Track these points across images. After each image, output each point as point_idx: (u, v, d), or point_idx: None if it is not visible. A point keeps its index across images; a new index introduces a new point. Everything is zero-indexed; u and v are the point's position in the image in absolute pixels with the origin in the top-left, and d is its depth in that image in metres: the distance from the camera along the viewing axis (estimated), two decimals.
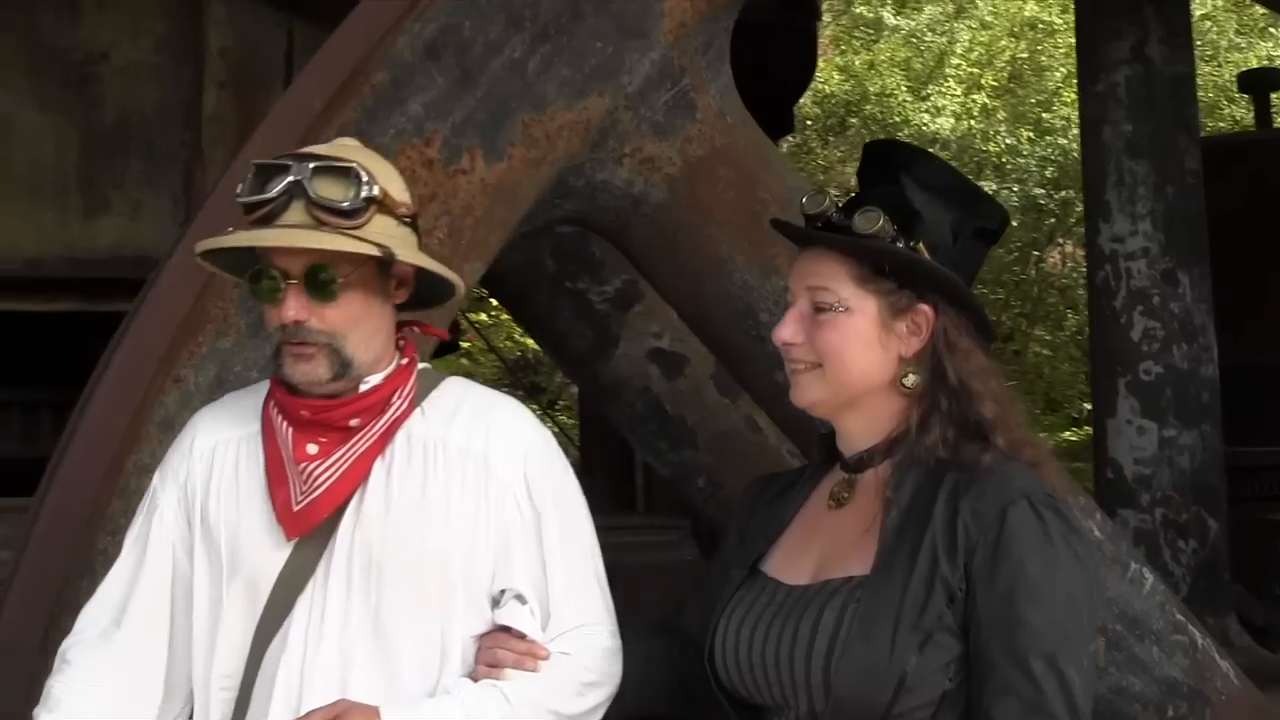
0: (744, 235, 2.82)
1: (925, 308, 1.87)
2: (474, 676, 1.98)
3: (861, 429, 1.92)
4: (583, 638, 2.02)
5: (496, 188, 2.62)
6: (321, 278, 1.96)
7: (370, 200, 1.97)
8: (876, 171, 1.99)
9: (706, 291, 2.88)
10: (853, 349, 1.85)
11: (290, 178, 1.95)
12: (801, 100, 16.58)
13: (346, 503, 2.01)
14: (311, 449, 2.00)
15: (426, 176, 2.58)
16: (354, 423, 2.02)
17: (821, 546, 1.91)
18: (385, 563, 1.99)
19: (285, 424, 2.02)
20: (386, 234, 1.98)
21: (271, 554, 2.00)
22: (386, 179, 2.02)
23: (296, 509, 1.97)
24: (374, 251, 1.94)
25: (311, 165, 1.95)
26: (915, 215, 1.87)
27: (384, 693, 1.95)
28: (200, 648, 2.04)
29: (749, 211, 2.82)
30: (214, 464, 2.08)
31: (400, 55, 2.53)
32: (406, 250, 2.00)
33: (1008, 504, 1.77)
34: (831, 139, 16.88)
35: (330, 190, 1.95)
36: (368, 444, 2.01)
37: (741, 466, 4.33)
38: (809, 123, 16.58)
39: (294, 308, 1.95)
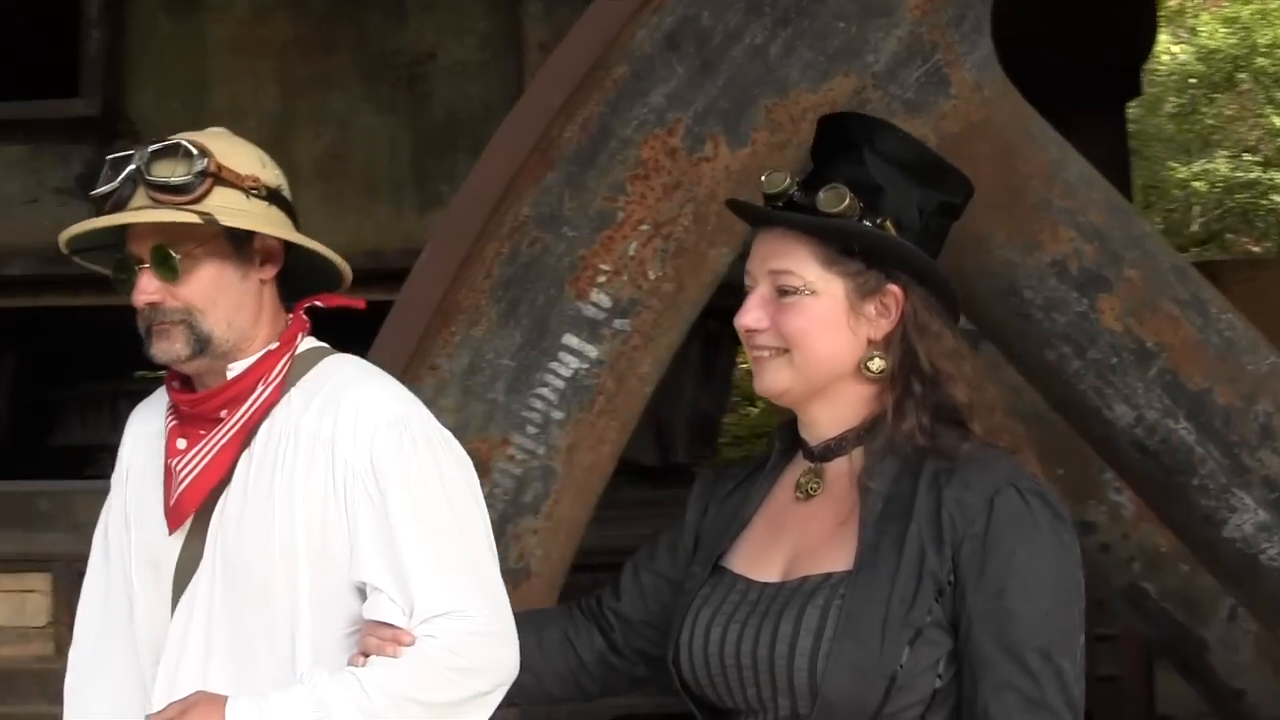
0: (1004, 211, 2.75)
1: (894, 288, 1.78)
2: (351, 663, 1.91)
3: (828, 417, 1.84)
4: (452, 622, 1.89)
5: (741, 173, 2.66)
6: (162, 255, 1.97)
7: (204, 174, 1.97)
8: (834, 146, 1.86)
9: (967, 269, 2.82)
10: (820, 333, 1.78)
11: (130, 165, 1.99)
12: (1184, 57, 15.73)
13: (216, 496, 2.01)
14: (180, 444, 2.01)
15: (670, 165, 2.65)
16: (223, 414, 2.01)
17: (792, 541, 1.83)
18: (238, 558, 1.99)
19: (169, 420, 2.06)
20: (228, 207, 1.99)
21: (166, 549, 2.04)
22: (228, 155, 2.03)
23: (170, 505, 2.01)
24: (191, 219, 1.94)
25: (149, 149, 2.00)
26: (879, 191, 1.78)
27: (242, 687, 1.92)
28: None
29: (1008, 187, 2.75)
30: (132, 460, 2.14)
31: (639, 48, 2.61)
32: (242, 219, 2.00)
33: (994, 493, 1.70)
34: (1218, 97, 15.85)
35: (164, 170, 1.97)
36: (228, 436, 2.00)
37: None
38: (1192, 81, 15.64)
39: (145, 289, 1.98)
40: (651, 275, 2.65)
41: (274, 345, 2.06)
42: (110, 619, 2.14)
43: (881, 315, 1.78)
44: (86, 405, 6.16)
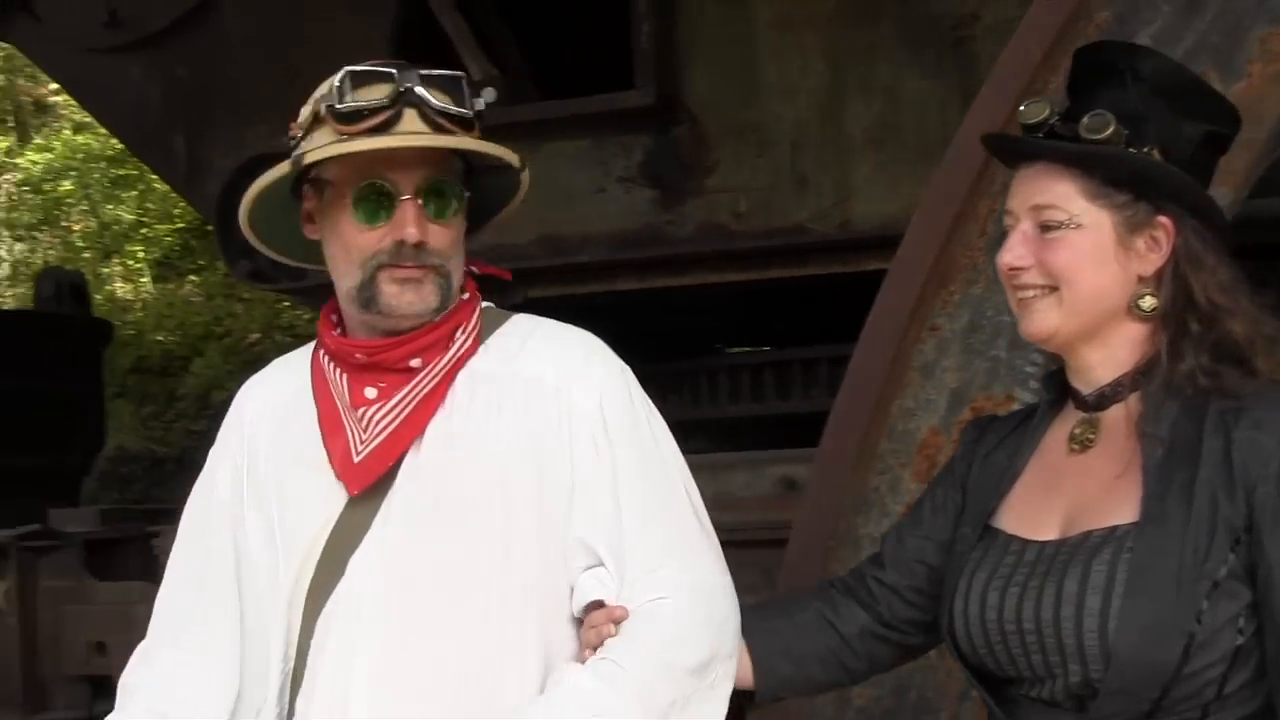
0: None
1: (1165, 220, 1.67)
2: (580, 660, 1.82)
3: (1100, 360, 1.73)
4: (680, 575, 1.82)
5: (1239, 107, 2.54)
6: (446, 192, 1.85)
7: (477, 113, 1.89)
8: (1093, 74, 1.73)
9: None
10: (1089, 268, 1.69)
11: (400, 85, 1.84)
12: None
13: (406, 451, 1.88)
14: (370, 393, 1.87)
15: None
16: (415, 363, 1.89)
17: (1068, 496, 1.72)
18: (446, 505, 1.86)
19: (338, 369, 1.91)
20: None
21: (324, 509, 1.88)
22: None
23: (358, 459, 1.86)
24: (511, 157, 1.88)
25: (419, 73, 1.86)
26: (1143, 119, 1.66)
27: (449, 649, 1.81)
28: (258, 619, 1.92)
29: None
30: (260, 425, 1.97)
31: None
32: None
33: None
34: None
35: (444, 99, 1.86)
36: (431, 385, 1.88)
37: None
38: None
39: (416, 224, 1.82)
40: None
41: (464, 295, 1.99)
42: (201, 615, 1.99)
43: (1151, 250, 1.70)
44: (666, 383, 6.65)
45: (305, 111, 1.90)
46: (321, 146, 1.81)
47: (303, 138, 1.87)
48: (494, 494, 1.88)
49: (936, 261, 2.64)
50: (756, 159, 5.49)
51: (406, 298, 1.85)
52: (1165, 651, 1.57)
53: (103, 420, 10.09)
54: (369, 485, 1.86)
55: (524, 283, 6.48)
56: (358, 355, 1.89)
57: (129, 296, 18.25)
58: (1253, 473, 1.58)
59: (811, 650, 1.94)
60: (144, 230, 17.40)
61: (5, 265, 17.12)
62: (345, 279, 1.88)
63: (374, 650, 1.82)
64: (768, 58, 5.63)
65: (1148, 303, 1.70)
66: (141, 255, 18.07)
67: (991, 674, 1.76)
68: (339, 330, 1.97)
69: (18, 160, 18.85)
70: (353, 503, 1.87)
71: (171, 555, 2.06)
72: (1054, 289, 1.72)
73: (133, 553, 6.76)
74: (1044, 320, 1.73)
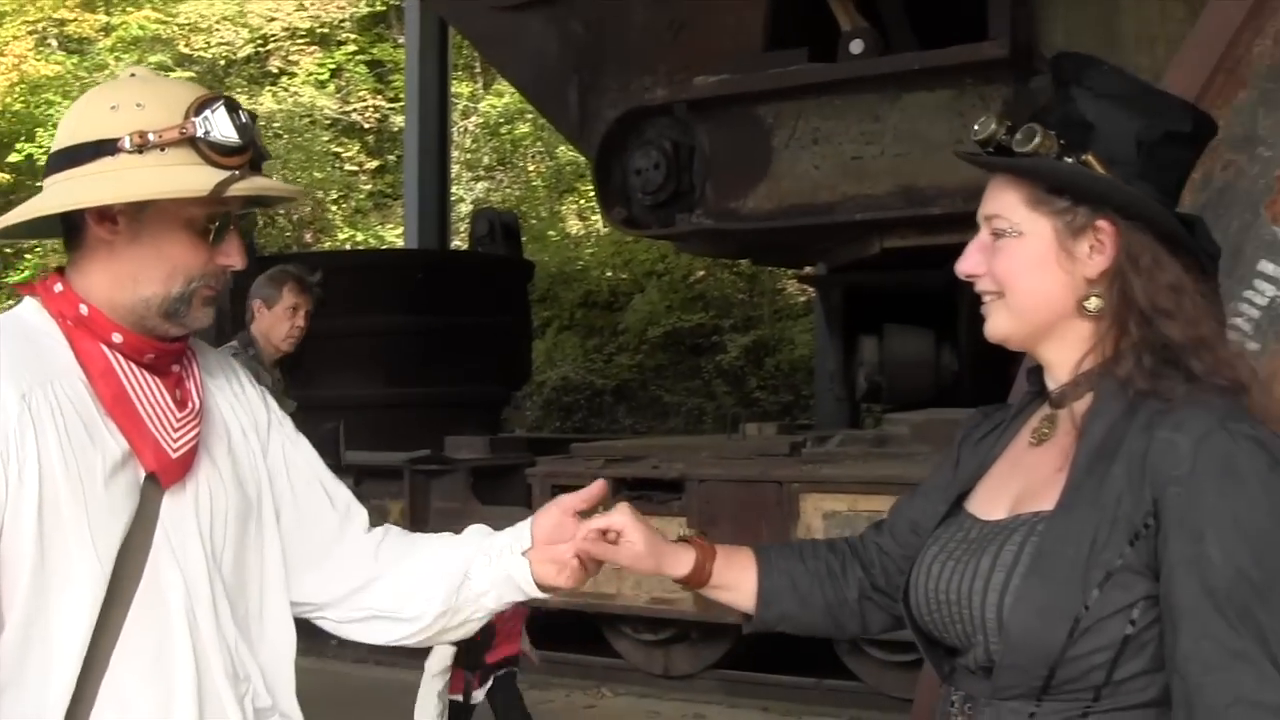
0: None
1: (1104, 224, 1.70)
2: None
3: (1060, 360, 1.78)
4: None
5: None
6: (247, 223, 1.99)
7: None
8: (1054, 87, 1.79)
9: None
10: (1028, 273, 1.75)
11: (243, 121, 1.96)
12: None
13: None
14: (178, 393, 1.98)
15: None
16: (175, 368, 2.01)
17: (1020, 483, 1.79)
18: (219, 511, 2.00)
19: (136, 368, 1.96)
20: None
21: (127, 500, 1.92)
22: None
23: (175, 455, 1.94)
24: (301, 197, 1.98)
25: (238, 108, 1.97)
26: (1088, 127, 1.71)
27: (249, 628, 2.02)
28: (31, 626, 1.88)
29: None
30: (33, 414, 1.89)
31: None
32: None
33: (1203, 435, 1.58)
34: None
35: (259, 137, 2.01)
36: (196, 384, 2.03)
37: None
38: None
39: (240, 254, 1.99)
40: None
41: None
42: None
43: (1097, 252, 1.74)
44: None
45: (162, 125, 1.93)
46: (228, 181, 1.93)
47: (153, 149, 1.93)
48: (247, 488, 2.07)
49: None
50: None
51: (206, 311, 2.00)
52: (1052, 631, 1.65)
53: (528, 354, 11.01)
54: (178, 480, 1.96)
55: (880, 232, 6.68)
56: (149, 355, 1.97)
57: (580, 234, 19.51)
58: (1164, 473, 1.64)
59: (816, 598, 2.09)
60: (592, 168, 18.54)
61: (466, 204, 18.62)
62: (153, 286, 1.96)
63: (198, 632, 1.96)
64: (1126, 6, 5.53)
65: (1093, 304, 1.77)
66: (593, 194, 19.18)
67: (938, 641, 1.87)
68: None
69: (479, 104, 20.46)
70: (151, 492, 1.96)
71: None
72: (1003, 294, 1.82)
73: (515, 480, 7.49)
74: (996, 324, 1.84)
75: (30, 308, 1.99)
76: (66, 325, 1.95)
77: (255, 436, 2.11)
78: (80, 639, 1.86)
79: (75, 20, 21.09)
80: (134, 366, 1.95)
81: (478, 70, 20.34)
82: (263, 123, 19.61)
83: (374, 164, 21.40)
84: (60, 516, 1.86)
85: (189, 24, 21.22)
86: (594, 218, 19.19)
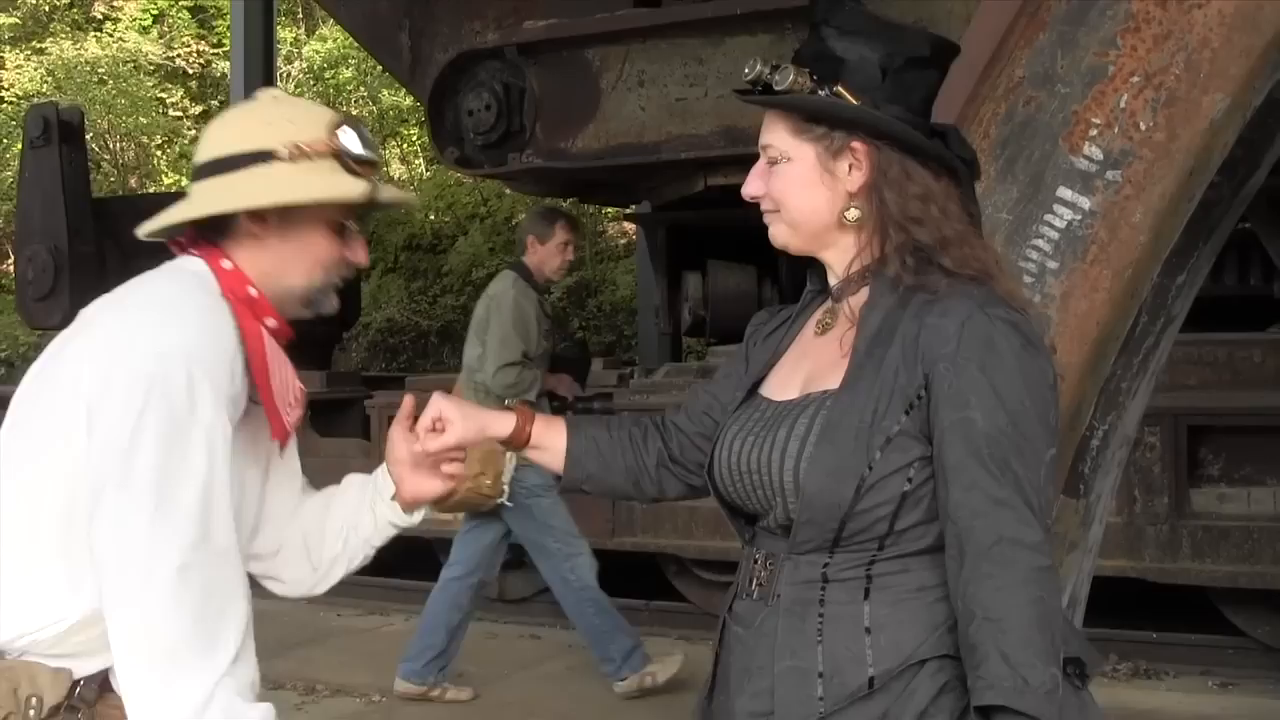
0: None
1: (857, 145, 1.96)
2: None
3: (835, 261, 2.05)
4: None
5: (1235, 17, 2.66)
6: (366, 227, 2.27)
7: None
8: (810, 29, 2.05)
9: None
10: (796, 191, 2.01)
11: (370, 141, 2.20)
12: None
13: None
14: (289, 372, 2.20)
15: (1161, 15, 2.73)
16: None
17: (808, 368, 2.04)
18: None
19: (275, 346, 2.14)
20: None
21: (259, 459, 2.20)
22: None
23: (289, 424, 2.16)
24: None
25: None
26: (837, 61, 1.96)
27: None
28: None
29: None
30: (235, 373, 2.06)
31: None
32: None
33: (965, 318, 1.86)
34: None
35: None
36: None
37: None
38: None
39: (366, 251, 2.22)
40: (1143, 126, 2.75)
41: None
42: None
43: (855, 169, 1.98)
44: None
45: (312, 139, 2.13)
46: (383, 189, 2.18)
47: (302, 159, 2.13)
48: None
49: None
50: None
51: (334, 299, 2.23)
52: (841, 490, 1.88)
53: (357, 295, 10.94)
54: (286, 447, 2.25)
55: (704, 171, 6.84)
56: (285, 340, 2.17)
57: (404, 178, 19.31)
58: (934, 351, 1.88)
59: (618, 462, 2.31)
60: (419, 115, 18.34)
61: None
62: (298, 278, 2.15)
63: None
64: None
65: (851, 214, 2.01)
66: (416, 139, 19.00)
67: (741, 509, 2.10)
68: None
69: (303, 50, 20.08)
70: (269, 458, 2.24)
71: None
72: (779, 210, 2.06)
73: (352, 413, 7.52)
74: (777, 235, 2.08)
75: (203, 274, 2.11)
76: (234, 301, 2.09)
77: None
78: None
79: None
80: (277, 350, 2.13)
81: (300, 16, 19.95)
82: (87, 68, 19.16)
83: (198, 109, 20.86)
84: (242, 477, 2.09)
85: None
86: (417, 162, 19.04)
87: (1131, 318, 2.94)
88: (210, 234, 2.12)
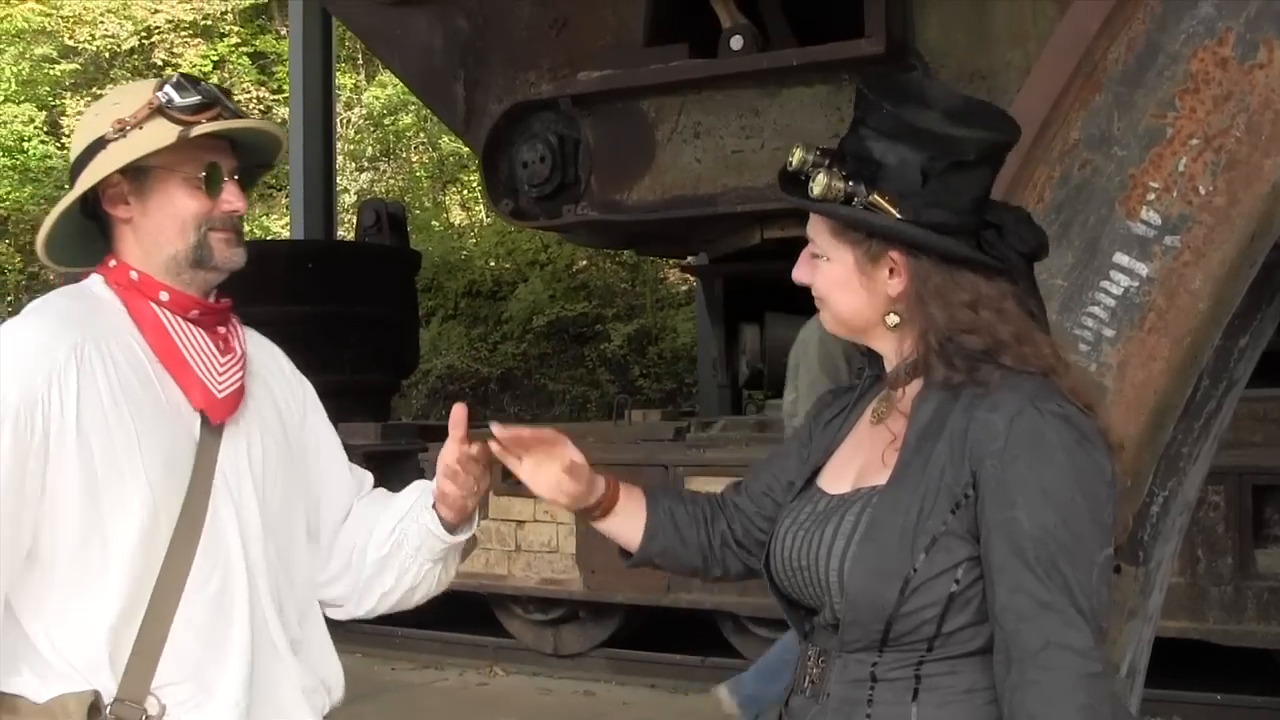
0: None
1: (894, 254, 1.91)
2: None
3: (888, 351, 2.00)
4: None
5: None
6: (257, 169, 2.24)
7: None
8: (850, 124, 1.97)
9: None
10: (837, 293, 1.97)
11: (206, 86, 2.18)
12: None
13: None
14: (221, 344, 2.17)
15: (1220, 76, 2.66)
16: (222, 329, 2.20)
17: (861, 460, 1.98)
18: (270, 454, 2.20)
19: (183, 322, 2.14)
20: None
21: (173, 446, 2.08)
22: None
23: (221, 395, 2.12)
24: (283, 140, 2.27)
25: (205, 83, 2.21)
26: (875, 165, 1.89)
27: (286, 562, 2.19)
28: (79, 561, 2.04)
29: None
30: (80, 365, 2.04)
31: None
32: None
33: (1016, 413, 1.81)
34: None
35: (231, 99, 2.20)
36: (240, 342, 2.22)
37: None
38: None
39: (240, 197, 2.17)
40: (1202, 190, 2.68)
41: None
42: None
43: (895, 275, 1.93)
44: None
45: (135, 108, 2.15)
46: (195, 126, 2.13)
47: (133, 129, 2.14)
48: (290, 442, 2.28)
49: None
50: None
51: (233, 250, 2.18)
52: (886, 591, 1.83)
53: (416, 343, 10.99)
54: (226, 418, 2.15)
55: (761, 223, 6.81)
56: (194, 311, 2.16)
57: (464, 224, 19.45)
58: (982, 448, 1.82)
59: (692, 537, 2.26)
60: (478, 162, 18.50)
61: (350, 195, 18.48)
62: (174, 243, 2.15)
63: (268, 560, 2.16)
64: (999, 4, 5.68)
65: (892, 320, 1.96)
66: (475, 185, 19.11)
67: (797, 603, 2.05)
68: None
69: (362, 96, 20.29)
70: (207, 436, 2.14)
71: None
72: (824, 302, 2.03)
73: (408, 465, 7.50)
74: (827, 324, 2.05)
75: (95, 281, 2.20)
76: (121, 290, 2.16)
77: (296, 405, 2.32)
78: (134, 559, 2.03)
79: None
80: (181, 321, 2.15)
81: (360, 62, 20.16)
82: None
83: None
84: (113, 452, 2.03)
85: (73, 16, 20.85)
86: (477, 208, 19.14)
87: (1191, 385, 2.85)
88: (106, 241, 2.20)
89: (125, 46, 21.10)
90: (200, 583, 2.07)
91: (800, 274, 2.04)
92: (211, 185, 2.15)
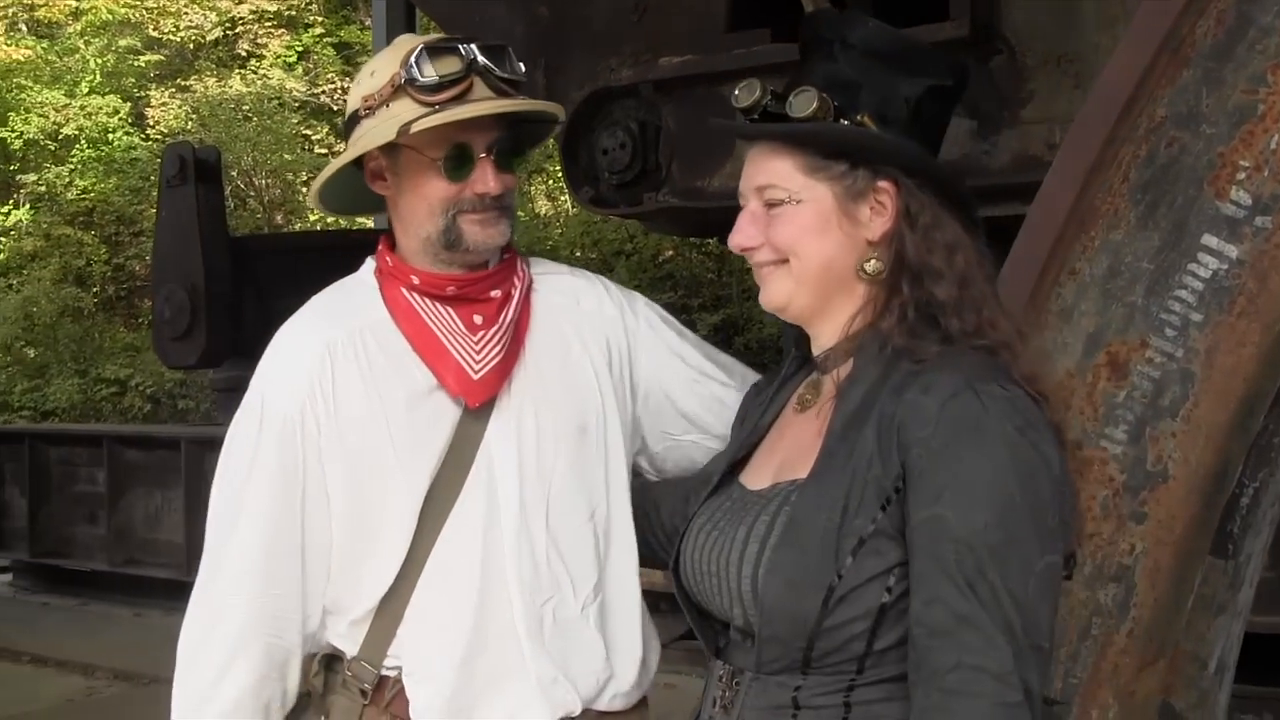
0: None
1: (885, 184, 1.67)
2: None
3: (830, 329, 1.74)
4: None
5: None
6: (509, 150, 2.07)
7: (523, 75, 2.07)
8: (809, 48, 1.73)
9: None
10: (809, 240, 1.71)
11: (468, 58, 2.04)
12: None
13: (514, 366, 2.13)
14: (477, 319, 2.09)
15: None
16: (495, 293, 2.11)
17: (784, 450, 1.74)
18: (555, 412, 2.12)
19: (433, 301, 2.10)
20: None
21: (440, 424, 2.07)
22: None
23: (478, 376, 2.06)
24: (560, 114, 2.14)
25: (478, 45, 2.09)
26: (856, 86, 1.67)
27: (575, 534, 2.12)
28: (348, 548, 2.09)
29: None
30: (335, 361, 2.08)
31: None
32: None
33: (949, 396, 1.56)
34: None
35: (503, 67, 2.08)
36: (518, 312, 2.12)
37: None
38: None
39: (494, 178, 2.07)
40: None
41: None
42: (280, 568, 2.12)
43: (877, 214, 1.71)
44: None
45: (380, 85, 2.07)
46: (424, 116, 2.03)
47: (379, 107, 2.07)
48: (586, 403, 2.19)
49: (1076, 205, 2.69)
50: (1073, 90, 5.44)
51: (491, 231, 2.11)
52: (805, 602, 1.60)
53: None
54: (486, 400, 2.08)
55: None
56: (449, 288, 2.12)
57: (549, 214, 19.47)
58: (911, 434, 1.59)
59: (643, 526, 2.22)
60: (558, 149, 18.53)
61: None
62: (426, 226, 2.11)
63: (522, 541, 2.10)
64: None
65: (871, 266, 1.74)
66: (560, 175, 19.12)
67: (708, 613, 1.84)
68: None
69: None
70: (469, 415, 2.09)
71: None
72: (785, 261, 1.77)
73: None
74: (777, 290, 1.79)
75: (366, 267, 2.23)
76: (380, 276, 2.18)
77: (607, 353, 2.22)
78: (400, 545, 2.06)
79: (45, 5, 20.97)
80: (433, 302, 2.12)
81: None
82: (231, 105, 19.73)
83: (343, 146, 21.31)
84: (368, 445, 2.05)
85: (157, 7, 21.13)
86: (562, 198, 19.14)
87: None
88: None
89: (210, 37, 21.36)
90: (441, 564, 2.07)
91: (746, 236, 1.79)
92: (456, 169, 2.07)
